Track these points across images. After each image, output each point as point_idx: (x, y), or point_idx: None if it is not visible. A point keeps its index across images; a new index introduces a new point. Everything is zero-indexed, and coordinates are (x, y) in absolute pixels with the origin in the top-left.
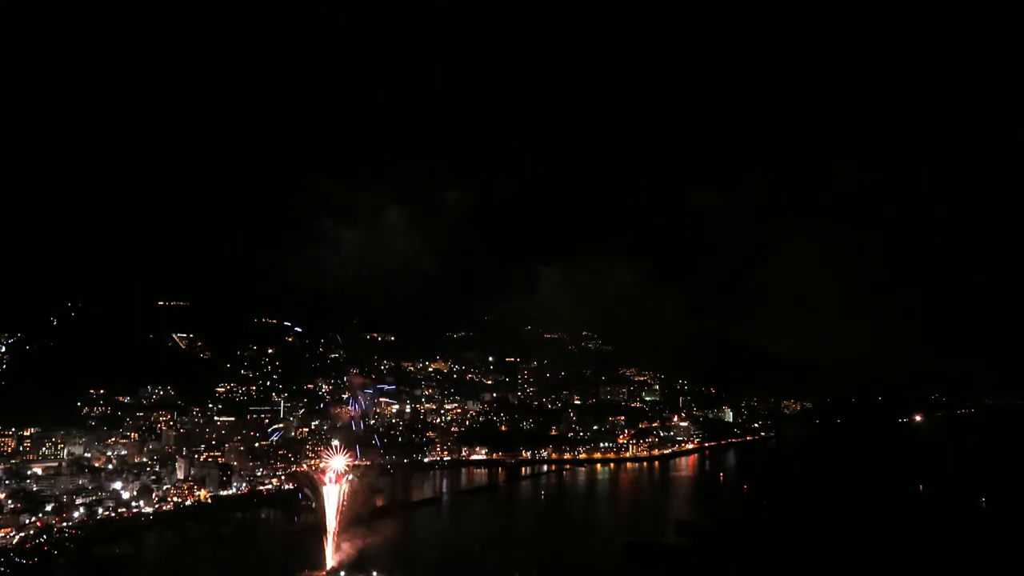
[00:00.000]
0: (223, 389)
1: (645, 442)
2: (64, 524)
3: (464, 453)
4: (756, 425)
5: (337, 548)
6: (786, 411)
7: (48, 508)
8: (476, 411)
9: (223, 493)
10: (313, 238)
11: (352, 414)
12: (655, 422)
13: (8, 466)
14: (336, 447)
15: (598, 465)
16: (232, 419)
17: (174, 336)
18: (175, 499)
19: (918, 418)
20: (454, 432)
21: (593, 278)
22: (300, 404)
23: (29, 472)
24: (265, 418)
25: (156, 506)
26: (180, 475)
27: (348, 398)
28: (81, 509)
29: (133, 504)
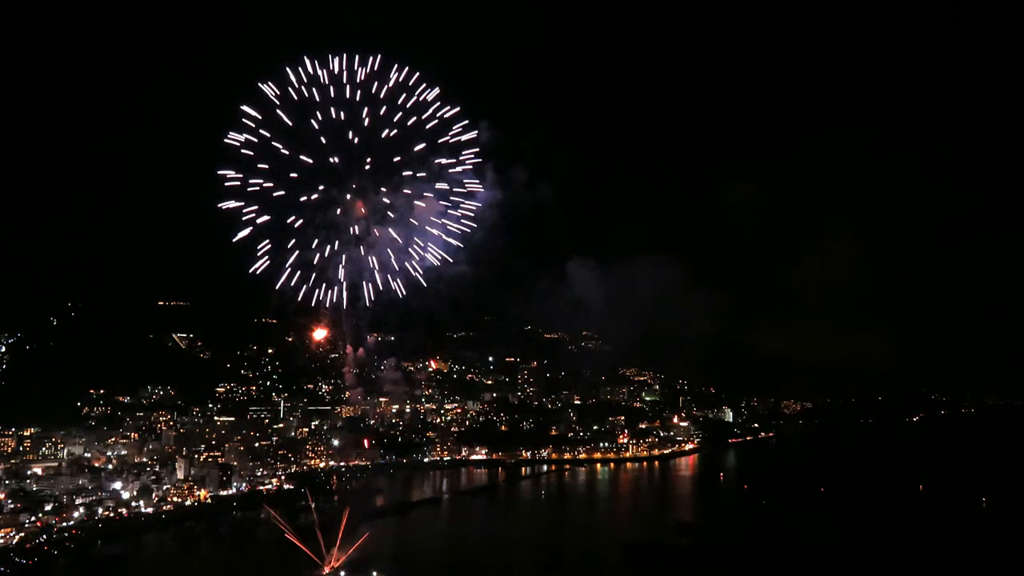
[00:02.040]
0: (223, 389)
1: (645, 442)
2: (64, 524)
3: (464, 453)
4: (756, 425)
5: (337, 548)
6: (786, 411)
7: (48, 508)
8: (476, 411)
9: (223, 493)
10: (316, 236)
11: (352, 414)
12: (655, 422)
13: (8, 466)
14: (336, 447)
15: (598, 465)
16: (232, 419)
17: (174, 336)
18: (175, 499)
19: (918, 418)
20: (454, 432)
21: (597, 278)
22: (300, 404)
23: (29, 472)
24: (265, 418)
25: (156, 506)
26: (180, 475)
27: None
28: (81, 509)
29: (133, 504)
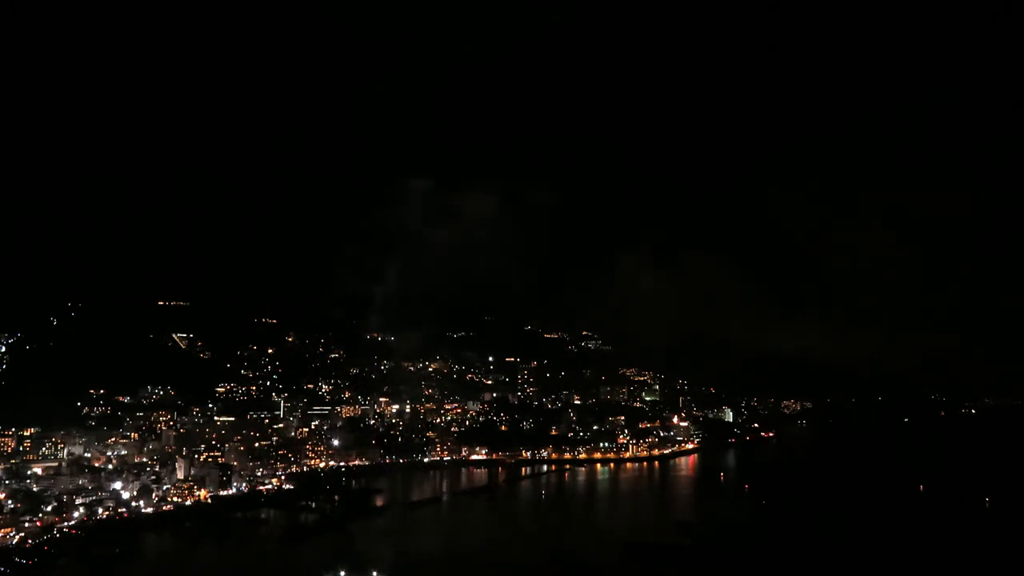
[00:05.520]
0: (223, 389)
1: (645, 442)
2: (64, 524)
3: (464, 453)
4: (756, 425)
5: (337, 548)
6: (786, 411)
7: (48, 508)
8: (476, 411)
9: (223, 493)
10: (319, 237)
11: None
12: (655, 422)
13: (8, 466)
14: (336, 447)
15: (598, 465)
16: (232, 419)
17: (174, 336)
18: (175, 499)
19: (918, 418)
20: (454, 432)
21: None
22: (300, 404)
23: (29, 472)
24: (265, 418)
25: (156, 506)
26: (180, 475)
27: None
28: (81, 509)
29: (133, 504)
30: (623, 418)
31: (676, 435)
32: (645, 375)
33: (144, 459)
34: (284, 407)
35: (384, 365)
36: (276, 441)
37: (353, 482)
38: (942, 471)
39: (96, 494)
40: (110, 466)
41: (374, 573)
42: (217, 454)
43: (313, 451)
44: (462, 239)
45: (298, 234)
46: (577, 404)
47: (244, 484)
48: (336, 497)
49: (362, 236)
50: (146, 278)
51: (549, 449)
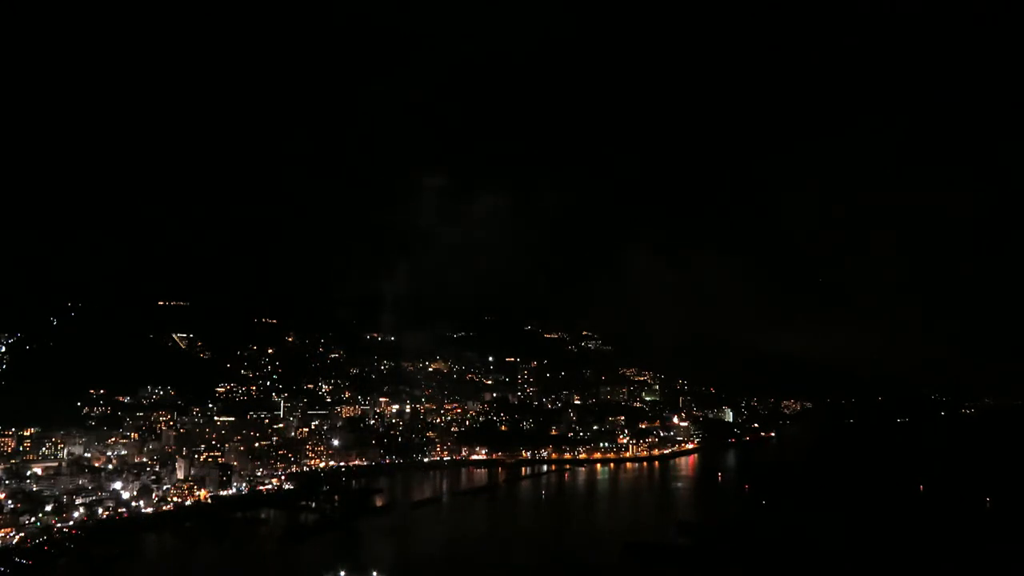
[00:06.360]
0: (223, 389)
1: (645, 442)
2: (64, 524)
3: (464, 453)
4: (756, 425)
5: (337, 548)
6: (786, 411)
7: (48, 508)
8: (476, 411)
9: (223, 493)
10: (319, 237)
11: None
12: (655, 422)
13: (8, 466)
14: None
15: (598, 465)
16: (232, 419)
17: (174, 336)
18: (175, 499)
19: (918, 418)
20: (454, 432)
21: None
22: (300, 404)
23: (29, 472)
24: (265, 418)
25: (156, 506)
26: (180, 475)
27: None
28: (81, 509)
29: (133, 504)
30: (623, 418)
31: (676, 435)
32: (645, 375)
33: (144, 459)
34: (284, 407)
35: (384, 365)
36: (276, 441)
37: (353, 482)
38: (942, 471)
39: (96, 494)
40: (110, 466)
41: (374, 573)
42: (217, 454)
43: (313, 451)
44: (463, 239)
45: (298, 234)
46: (577, 404)
47: (244, 484)
48: (336, 497)
49: (363, 236)
50: (146, 278)
51: (549, 449)
